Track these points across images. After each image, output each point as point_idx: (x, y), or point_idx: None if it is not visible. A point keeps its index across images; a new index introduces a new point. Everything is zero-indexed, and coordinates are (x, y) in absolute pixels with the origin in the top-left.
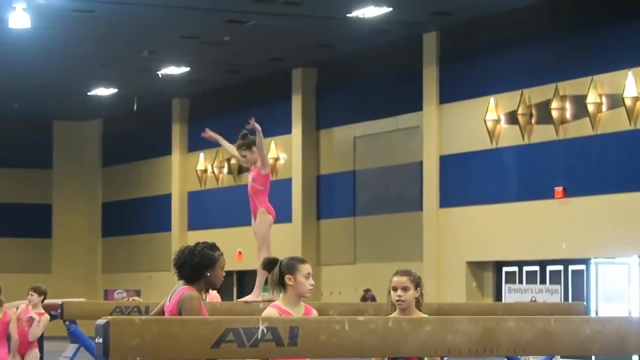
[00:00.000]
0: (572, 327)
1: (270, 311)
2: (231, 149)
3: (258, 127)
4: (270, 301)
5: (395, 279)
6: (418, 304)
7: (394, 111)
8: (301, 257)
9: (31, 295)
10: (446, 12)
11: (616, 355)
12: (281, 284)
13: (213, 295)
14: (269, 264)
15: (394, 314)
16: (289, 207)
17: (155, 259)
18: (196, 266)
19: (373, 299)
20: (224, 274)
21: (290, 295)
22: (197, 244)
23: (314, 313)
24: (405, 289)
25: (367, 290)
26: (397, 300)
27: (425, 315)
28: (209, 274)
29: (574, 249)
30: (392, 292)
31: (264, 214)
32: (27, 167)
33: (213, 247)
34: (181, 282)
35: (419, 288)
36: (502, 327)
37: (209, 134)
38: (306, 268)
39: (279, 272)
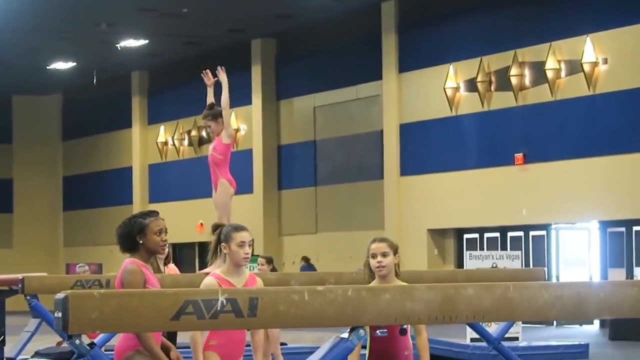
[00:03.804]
0: (530, 293)
1: (208, 280)
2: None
3: (225, 79)
4: None
5: (374, 245)
6: (396, 272)
7: (353, 80)
8: (241, 225)
9: None
10: None
11: (576, 320)
12: (220, 252)
13: (170, 268)
14: (214, 229)
15: (373, 283)
16: (250, 178)
17: (116, 233)
18: (127, 236)
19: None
20: (164, 238)
21: (228, 263)
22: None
23: (258, 283)
24: (384, 254)
25: (305, 259)
26: (378, 267)
27: (404, 283)
28: (141, 241)
29: (534, 214)
30: (371, 259)
31: (224, 185)
32: None
33: (147, 214)
34: (127, 254)
35: (397, 255)
36: (461, 294)
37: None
38: (240, 236)
39: (217, 240)
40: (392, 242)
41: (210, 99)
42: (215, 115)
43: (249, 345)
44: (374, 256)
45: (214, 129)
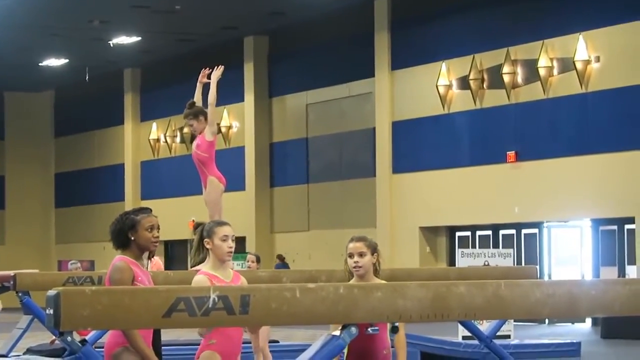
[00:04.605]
0: (522, 291)
1: (199, 278)
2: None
3: (216, 77)
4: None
5: (351, 245)
6: (375, 271)
7: (346, 78)
8: (223, 220)
9: None
10: None
11: (567, 318)
12: (204, 248)
13: (154, 262)
14: (195, 228)
15: (352, 281)
16: (242, 175)
17: (108, 229)
18: (118, 232)
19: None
20: (156, 234)
21: (212, 259)
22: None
23: (242, 280)
24: (361, 254)
25: (279, 257)
26: (355, 267)
27: (383, 282)
28: (133, 238)
29: (527, 212)
30: (348, 259)
31: (213, 182)
32: None
33: (138, 210)
34: (119, 251)
35: (375, 254)
36: (452, 292)
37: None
38: (223, 231)
39: (199, 237)
40: (370, 241)
41: (198, 96)
42: (196, 113)
43: (245, 343)
44: (350, 256)
45: (196, 127)
